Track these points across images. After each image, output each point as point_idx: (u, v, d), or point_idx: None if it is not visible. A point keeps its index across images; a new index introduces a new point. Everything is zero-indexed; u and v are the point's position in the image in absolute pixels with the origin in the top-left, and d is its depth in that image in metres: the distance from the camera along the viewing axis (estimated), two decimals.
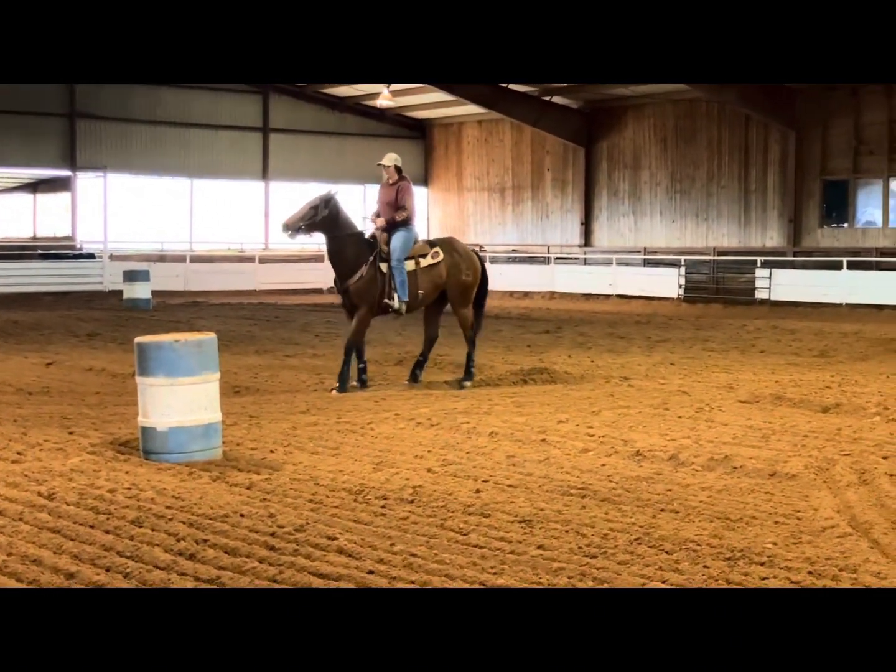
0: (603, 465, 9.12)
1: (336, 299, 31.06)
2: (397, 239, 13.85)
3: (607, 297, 33.81)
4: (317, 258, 37.20)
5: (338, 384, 13.45)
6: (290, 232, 13.69)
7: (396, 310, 13.89)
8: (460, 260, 14.32)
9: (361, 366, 13.82)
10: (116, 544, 6.70)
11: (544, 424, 10.92)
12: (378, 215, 14.07)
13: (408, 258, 13.92)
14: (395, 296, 13.75)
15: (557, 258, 37.97)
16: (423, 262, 14.06)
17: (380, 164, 14.21)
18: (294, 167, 42.02)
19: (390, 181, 14.16)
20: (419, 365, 14.34)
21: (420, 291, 13.98)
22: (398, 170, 14.13)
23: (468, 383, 13.91)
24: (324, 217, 13.56)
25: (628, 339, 20.67)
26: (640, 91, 36.38)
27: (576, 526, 7.14)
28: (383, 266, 13.76)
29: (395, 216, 13.88)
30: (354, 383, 13.69)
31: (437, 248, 14.23)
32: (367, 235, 14.01)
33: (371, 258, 13.71)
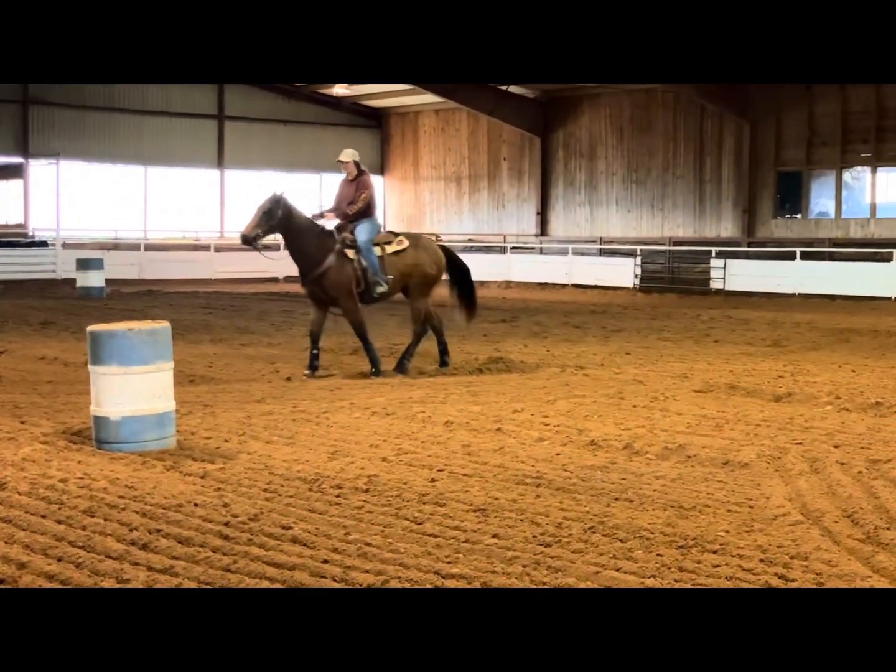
0: (558, 454, 9.15)
1: (292, 288, 30.98)
2: (361, 226, 13.93)
3: (563, 286, 33.90)
4: (273, 248, 37.05)
5: (374, 369, 13.88)
6: (251, 242, 13.64)
7: (382, 291, 13.96)
8: (424, 253, 14.38)
9: (315, 352, 13.82)
10: (68, 534, 6.66)
11: (500, 414, 10.94)
12: (331, 211, 14.12)
13: (374, 245, 14.00)
14: (377, 280, 13.86)
15: (514, 248, 38.05)
16: (389, 249, 14.11)
17: (339, 161, 14.20)
18: (249, 155, 41.83)
19: (349, 177, 14.19)
20: (442, 352, 14.71)
21: (389, 276, 14.01)
22: (357, 165, 14.15)
23: (399, 375, 13.93)
24: (279, 218, 13.56)
25: (584, 328, 20.75)
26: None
27: (530, 515, 7.16)
28: (350, 252, 13.80)
29: (347, 210, 13.93)
30: (307, 371, 13.68)
31: (401, 237, 14.31)
32: (327, 228, 14.03)
33: (337, 247, 13.75)
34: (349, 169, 14.16)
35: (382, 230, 14.48)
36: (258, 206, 13.71)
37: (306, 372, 13.72)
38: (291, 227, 13.71)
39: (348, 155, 14.19)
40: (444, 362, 14.64)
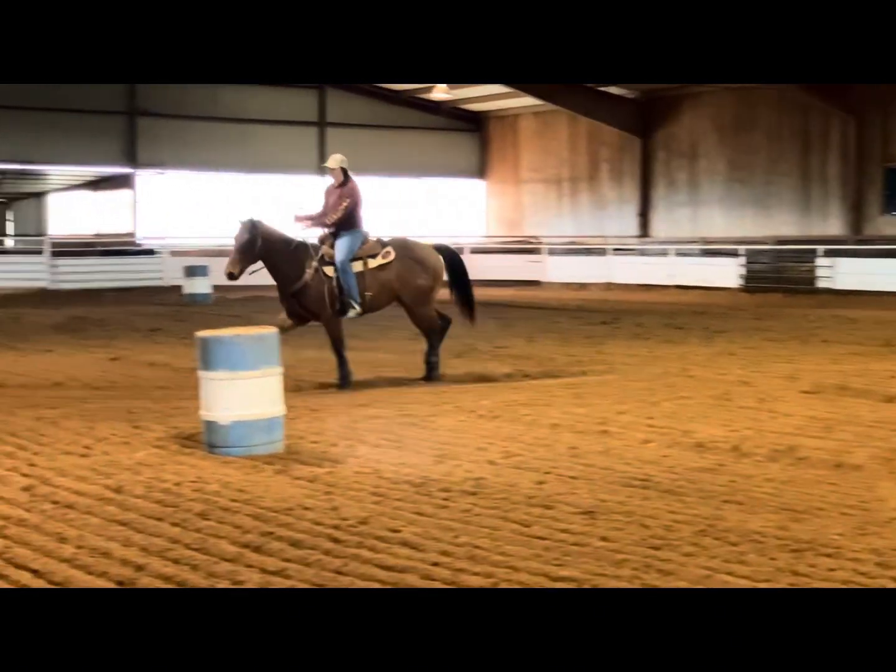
0: (664, 456, 9.09)
1: None
2: (341, 242, 13.36)
3: (665, 287, 33.58)
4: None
5: (341, 383, 13.35)
6: (237, 278, 13.40)
7: (354, 315, 13.53)
8: (414, 264, 13.66)
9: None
10: (184, 537, 6.78)
11: (604, 415, 10.90)
12: (308, 218, 13.66)
13: (355, 259, 13.41)
14: (350, 301, 13.36)
15: (615, 249, 37.83)
16: (372, 263, 13.45)
17: (324, 167, 13.78)
18: (350, 161, 41.62)
19: (336, 184, 13.62)
20: (430, 367, 13.89)
21: (368, 293, 13.42)
22: (344, 171, 13.57)
23: (433, 381, 13.62)
24: (259, 247, 13.23)
25: (687, 329, 20.55)
26: None
27: (639, 517, 7.12)
28: (328, 270, 13.30)
29: (326, 220, 13.45)
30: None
31: (388, 248, 13.56)
32: (310, 241, 13.57)
33: (315, 263, 13.29)
34: (336, 175, 13.54)
35: (369, 239, 13.61)
36: (237, 240, 13.30)
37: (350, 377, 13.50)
38: (273, 249, 13.34)
39: (335, 161, 13.58)
40: (430, 376, 13.81)
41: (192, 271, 29.43)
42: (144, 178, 38.99)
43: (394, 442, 9.80)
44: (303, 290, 13.29)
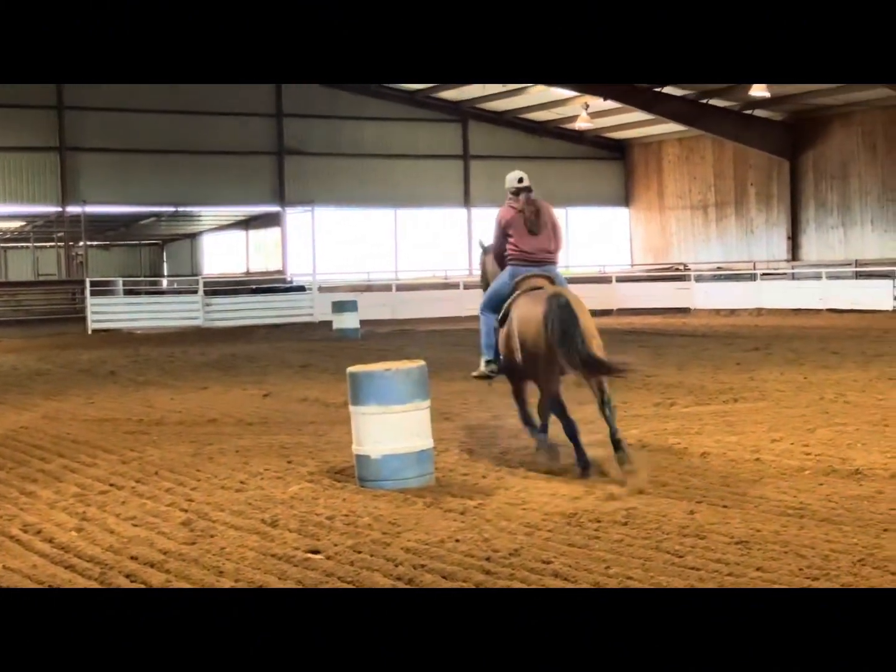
0: (820, 484, 8.89)
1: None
2: None
3: (817, 311, 32.88)
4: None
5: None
6: None
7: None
8: None
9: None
10: (337, 570, 6.87)
11: (757, 443, 10.72)
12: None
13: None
14: None
15: (764, 274, 37.17)
16: None
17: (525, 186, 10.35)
18: (495, 192, 41.93)
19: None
20: None
21: None
22: None
23: None
24: None
25: (842, 354, 20.06)
26: (846, 99, 35.46)
27: (795, 547, 6.98)
28: None
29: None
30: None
31: None
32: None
33: None
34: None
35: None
36: None
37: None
38: None
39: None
40: None
41: (341, 307, 29.87)
42: (293, 215, 39.78)
43: (545, 473, 9.78)
44: None
